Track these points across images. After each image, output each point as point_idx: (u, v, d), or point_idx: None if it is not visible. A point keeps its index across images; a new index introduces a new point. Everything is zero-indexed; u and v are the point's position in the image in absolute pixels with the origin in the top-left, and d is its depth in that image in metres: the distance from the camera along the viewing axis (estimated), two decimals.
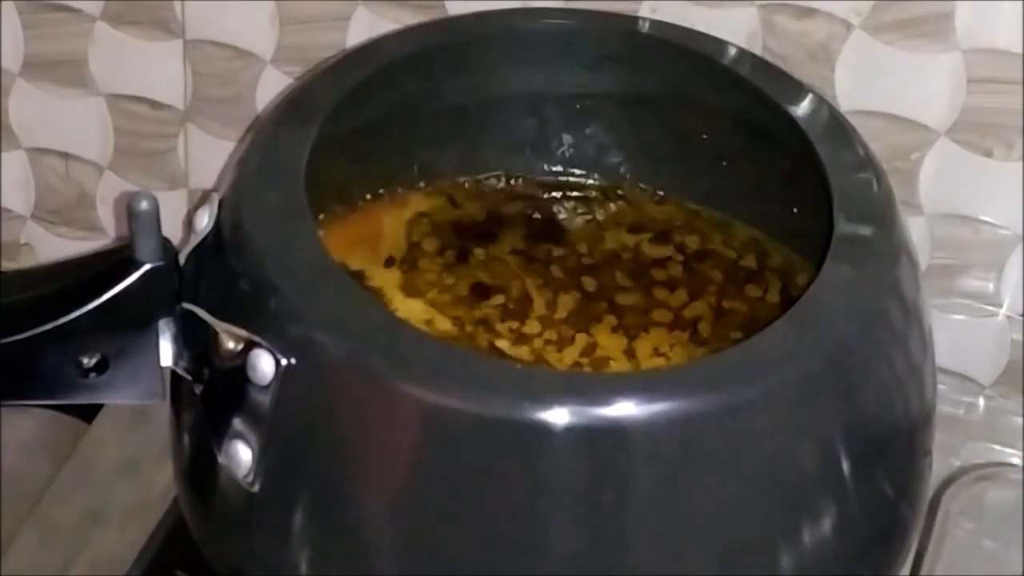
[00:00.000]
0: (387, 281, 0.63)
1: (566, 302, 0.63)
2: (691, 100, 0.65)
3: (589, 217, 0.67)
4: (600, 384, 0.52)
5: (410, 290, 0.63)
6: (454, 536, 0.52)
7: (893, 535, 0.58)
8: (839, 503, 0.54)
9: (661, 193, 0.67)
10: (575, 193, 0.67)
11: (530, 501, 0.51)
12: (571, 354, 0.61)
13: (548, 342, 0.61)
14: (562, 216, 0.67)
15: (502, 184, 0.67)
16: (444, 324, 0.61)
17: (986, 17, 0.65)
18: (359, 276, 0.62)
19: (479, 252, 0.65)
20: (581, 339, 0.61)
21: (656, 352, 0.61)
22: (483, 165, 0.67)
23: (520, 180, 0.68)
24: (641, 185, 0.67)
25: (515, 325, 0.62)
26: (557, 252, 0.65)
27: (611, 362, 0.60)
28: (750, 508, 0.53)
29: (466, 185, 0.67)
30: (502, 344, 0.61)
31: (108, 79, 0.77)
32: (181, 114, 0.77)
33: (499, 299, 0.63)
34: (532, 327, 0.62)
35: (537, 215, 0.66)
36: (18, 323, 0.55)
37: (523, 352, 0.61)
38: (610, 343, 0.61)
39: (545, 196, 0.67)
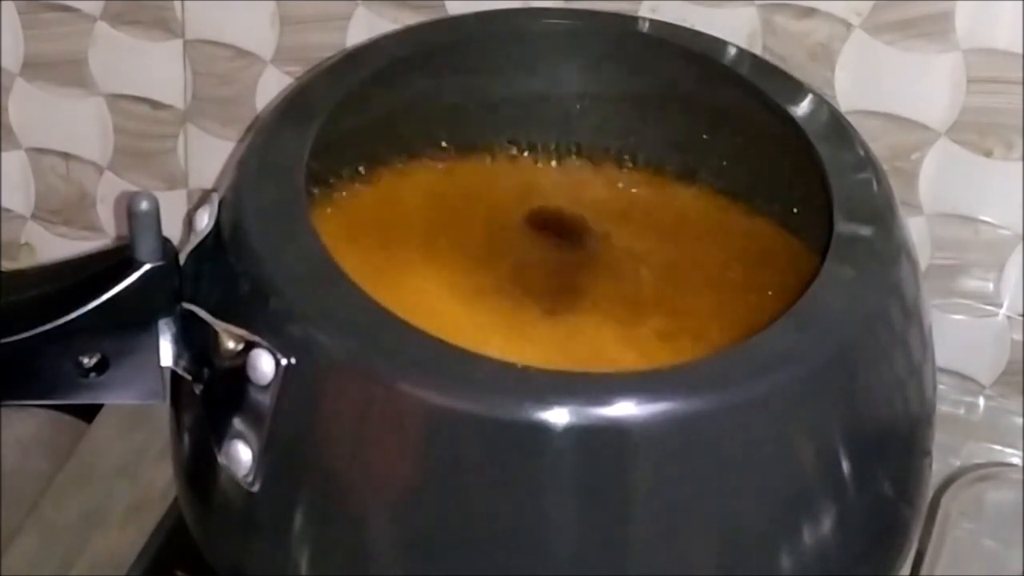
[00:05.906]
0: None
1: (565, 298, 0.63)
2: (691, 100, 0.65)
3: (586, 216, 0.67)
4: (600, 384, 0.52)
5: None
6: (454, 536, 0.52)
7: (893, 535, 0.58)
8: (839, 503, 0.54)
9: (660, 191, 0.67)
10: (572, 192, 0.67)
11: (530, 501, 0.51)
12: (571, 348, 0.61)
13: (547, 336, 0.61)
14: (559, 214, 0.67)
15: (500, 183, 0.67)
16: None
17: (986, 17, 0.65)
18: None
19: (478, 250, 0.65)
20: (580, 335, 0.61)
21: (653, 350, 0.61)
22: (482, 164, 0.67)
23: (518, 178, 0.68)
24: (639, 184, 0.67)
25: (515, 322, 0.62)
26: (555, 249, 0.65)
27: (611, 357, 0.60)
28: (750, 508, 0.53)
29: (465, 184, 0.67)
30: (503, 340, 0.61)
31: (108, 79, 0.77)
32: (181, 114, 0.77)
33: (499, 295, 0.63)
34: (529, 323, 0.62)
35: (535, 212, 0.66)
36: (18, 323, 0.55)
37: (523, 346, 0.61)
38: (608, 339, 0.61)
39: (543, 194, 0.67)
